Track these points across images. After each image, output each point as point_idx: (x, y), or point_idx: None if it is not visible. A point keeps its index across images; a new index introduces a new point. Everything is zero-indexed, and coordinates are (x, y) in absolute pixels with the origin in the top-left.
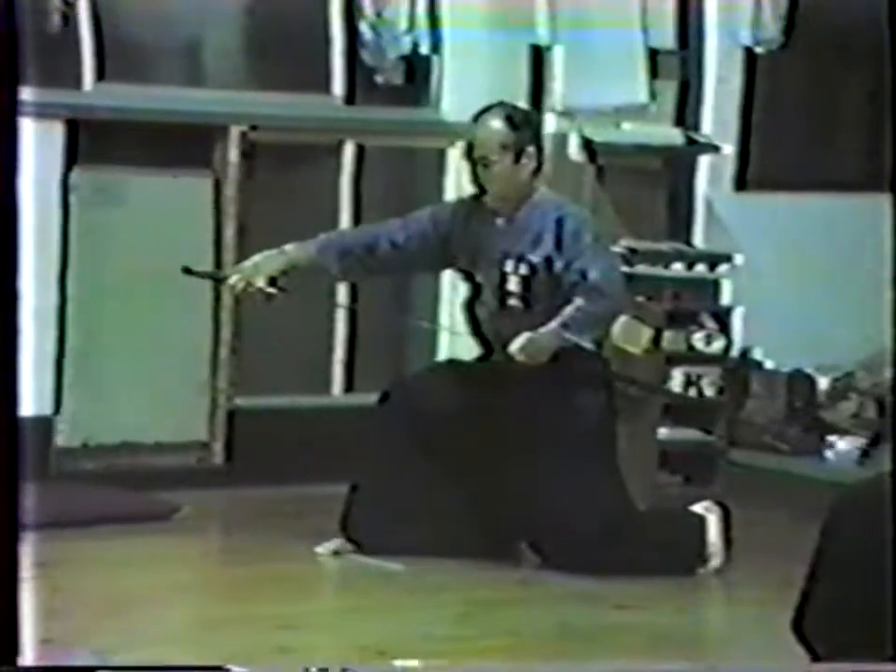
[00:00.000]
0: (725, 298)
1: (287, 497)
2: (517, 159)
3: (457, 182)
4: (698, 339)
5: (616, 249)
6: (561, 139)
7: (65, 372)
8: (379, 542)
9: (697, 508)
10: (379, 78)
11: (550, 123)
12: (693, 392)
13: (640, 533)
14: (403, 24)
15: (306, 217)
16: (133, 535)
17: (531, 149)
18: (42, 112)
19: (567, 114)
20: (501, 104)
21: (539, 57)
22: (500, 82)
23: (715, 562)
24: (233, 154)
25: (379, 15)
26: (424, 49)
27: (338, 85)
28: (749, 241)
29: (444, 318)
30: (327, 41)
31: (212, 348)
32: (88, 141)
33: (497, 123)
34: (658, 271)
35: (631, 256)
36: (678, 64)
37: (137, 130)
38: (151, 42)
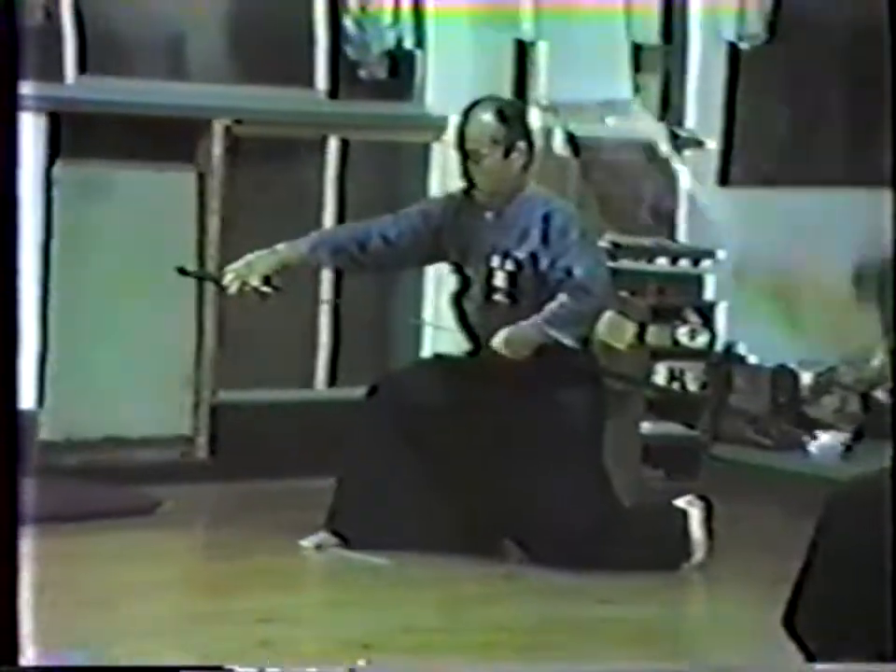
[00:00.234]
0: (709, 293)
1: (270, 491)
2: (507, 153)
3: (441, 176)
4: (682, 334)
5: (601, 244)
6: (545, 134)
7: (48, 367)
8: (365, 537)
9: (680, 502)
10: (363, 73)
11: (534, 118)
12: (676, 386)
13: (625, 529)
14: (387, 19)
15: (290, 211)
16: (117, 529)
17: (522, 144)
18: (24, 105)
19: (551, 109)
20: (492, 97)
21: (523, 52)
22: (484, 77)
23: (698, 556)
24: (217, 148)
25: (363, 9)
26: (408, 43)
27: (322, 79)
28: (732, 236)
29: (428, 312)
30: (311, 35)
31: (196, 342)
32: (70, 134)
33: (487, 117)
34: (642, 266)
35: (615, 251)
36: (661, 59)
37: (120, 123)
38: (134, 35)
